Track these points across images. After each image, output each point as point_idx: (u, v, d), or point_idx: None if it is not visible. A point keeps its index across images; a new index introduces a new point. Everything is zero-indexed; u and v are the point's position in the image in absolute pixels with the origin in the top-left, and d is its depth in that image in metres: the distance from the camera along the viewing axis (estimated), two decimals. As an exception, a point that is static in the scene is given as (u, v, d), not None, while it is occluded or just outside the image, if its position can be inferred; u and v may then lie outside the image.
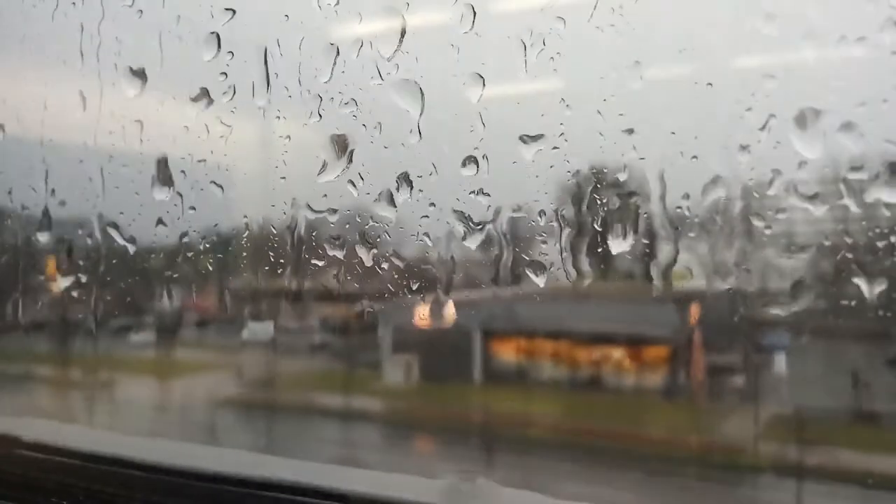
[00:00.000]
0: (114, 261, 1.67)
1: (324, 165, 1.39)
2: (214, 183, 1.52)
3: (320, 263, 1.47)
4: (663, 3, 1.11)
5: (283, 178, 1.46)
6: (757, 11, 1.05)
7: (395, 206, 1.34)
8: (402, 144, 1.32)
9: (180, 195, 1.54)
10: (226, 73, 1.45)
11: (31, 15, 1.74)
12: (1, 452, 1.50)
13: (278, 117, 1.45)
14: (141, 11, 1.56)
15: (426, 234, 1.35)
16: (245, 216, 1.55)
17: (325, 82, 1.35)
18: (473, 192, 1.28)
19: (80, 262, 1.68)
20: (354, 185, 1.37)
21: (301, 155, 1.46)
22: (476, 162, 1.26)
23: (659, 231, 1.20)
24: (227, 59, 1.45)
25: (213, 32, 1.45)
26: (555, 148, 1.21)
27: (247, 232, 1.56)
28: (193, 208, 1.55)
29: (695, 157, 1.13)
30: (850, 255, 1.07)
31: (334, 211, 1.41)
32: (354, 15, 1.31)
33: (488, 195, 1.28)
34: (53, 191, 1.74)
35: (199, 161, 1.52)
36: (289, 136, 1.45)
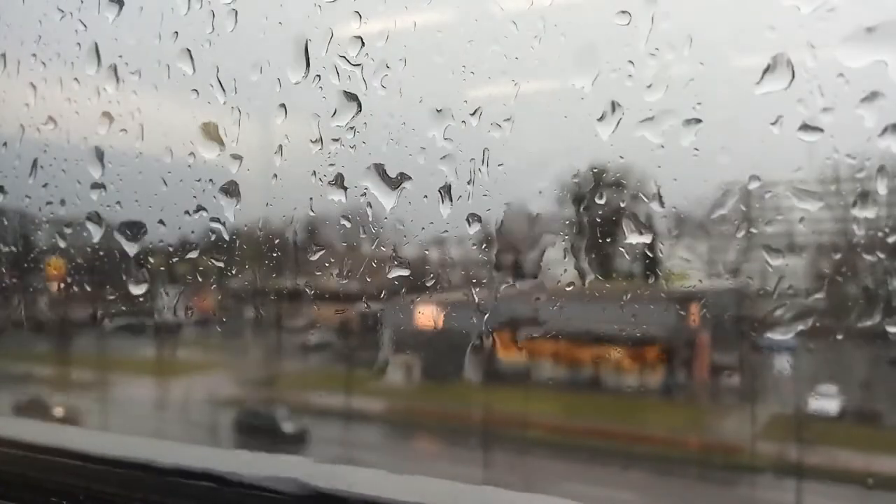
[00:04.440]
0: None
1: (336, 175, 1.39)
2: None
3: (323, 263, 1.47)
4: (663, 2, 1.11)
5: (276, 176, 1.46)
6: (757, 11, 1.05)
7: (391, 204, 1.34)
8: (395, 142, 1.31)
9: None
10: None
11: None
12: (1, 452, 1.49)
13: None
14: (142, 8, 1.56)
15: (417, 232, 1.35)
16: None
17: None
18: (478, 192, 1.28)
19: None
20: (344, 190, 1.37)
21: (304, 155, 1.46)
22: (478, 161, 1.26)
23: (659, 231, 1.19)
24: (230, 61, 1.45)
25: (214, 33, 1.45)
26: (545, 142, 1.21)
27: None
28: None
29: (695, 154, 1.13)
30: (850, 255, 1.07)
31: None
32: (353, 15, 1.31)
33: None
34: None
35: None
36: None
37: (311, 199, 1.43)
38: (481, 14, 1.23)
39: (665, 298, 1.33)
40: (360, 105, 1.33)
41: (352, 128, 1.35)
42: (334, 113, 1.36)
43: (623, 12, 1.11)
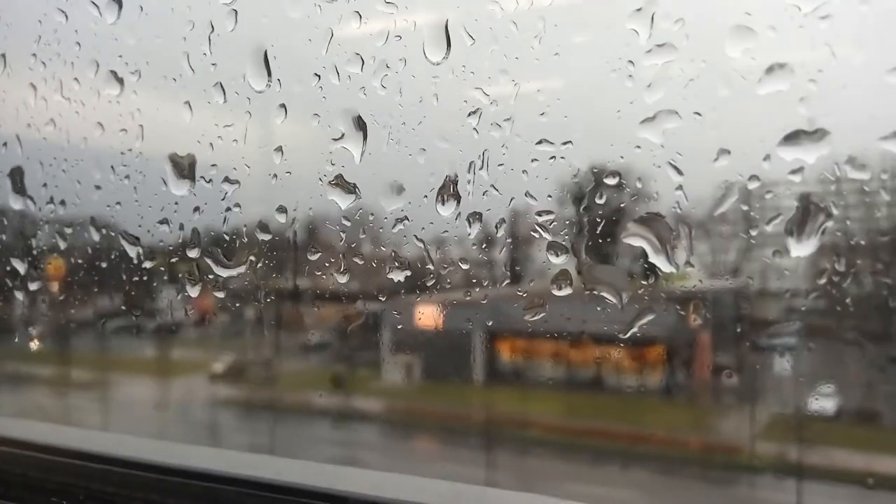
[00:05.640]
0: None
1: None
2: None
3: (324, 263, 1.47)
4: (663, 2, 1.11)
5: (274, 175, 1.46)
6: (757, 10, 1.05)
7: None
8: (395, 142, 1.32)
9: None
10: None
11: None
12: (1, 452, 1.49)
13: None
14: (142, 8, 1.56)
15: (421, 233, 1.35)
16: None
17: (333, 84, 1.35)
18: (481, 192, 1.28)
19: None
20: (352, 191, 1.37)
21: (303, 155, 1.46)
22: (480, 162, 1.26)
23: (659, 231, 1.19)
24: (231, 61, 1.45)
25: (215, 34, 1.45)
26: (551, 144, 1.21)
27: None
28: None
29: (695, 154, 1.13)
30: (850, 255, 1.07)
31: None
32: (353, 15, 1.31)
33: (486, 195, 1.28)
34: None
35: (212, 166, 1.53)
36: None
37: (311, 198, 1.44)
38: (481, 14, 1.23)
39: (665, 298, 1.33)
40: (365, 132, 1.34)
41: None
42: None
43: (623, 12, 1.12)
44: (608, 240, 1.26)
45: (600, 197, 1.24)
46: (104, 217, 1.70)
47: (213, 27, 1.45)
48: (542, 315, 1.31)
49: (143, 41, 1.56)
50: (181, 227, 1.58)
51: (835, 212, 1.05)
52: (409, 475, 1.22)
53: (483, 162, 1.27)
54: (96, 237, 1.72)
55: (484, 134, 1.26)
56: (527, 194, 1.25)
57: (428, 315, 1.54)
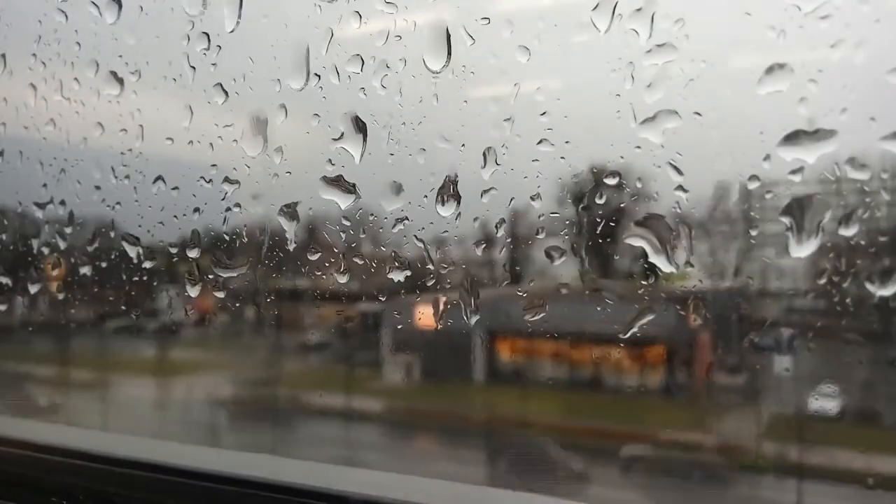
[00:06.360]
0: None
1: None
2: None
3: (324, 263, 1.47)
4: (663, 2, 1.11)
5: (275, 174, 1.46)
6: (757, 11, 1.05)
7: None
8: (395, 142, 1.32)
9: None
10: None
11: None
12: (1, 452, 1.49)
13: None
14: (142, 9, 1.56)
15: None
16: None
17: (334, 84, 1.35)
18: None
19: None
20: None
21: (304, 155, 1.46)
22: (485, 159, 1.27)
23: (659, 231, 1.19)
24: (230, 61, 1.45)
25: (210, 34, 1.45)
26: (552, 144, 1.21)
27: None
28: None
29: (695, 154, 1.13)
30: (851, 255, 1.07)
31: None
32: (353, 15, 1.31)
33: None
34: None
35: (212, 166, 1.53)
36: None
37: (311, 198, 1.44)
38: (481, 14, 1.23)
39: (665, 298, 1.33)
40: (365, 132, 1.34)
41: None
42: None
43: (623, 13, 1.12)
44: (608, 240, 1.26)
45: (600, 197, 1.24)
46: (104, 217, 1.70)
47: (213, 27, 1.45)
48: (542, 315, 1.31)
49: (143, 41, 1.56)
50: (181, 227, 1.59)
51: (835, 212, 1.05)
52: (409, 475, 1.22)
53: (484, 162, 1.27)
54: (96, 237, 1.72)
55: (484, 134, 1.26)
56: (526, 194, 1.25)
57: (428, 315, 1.54)
